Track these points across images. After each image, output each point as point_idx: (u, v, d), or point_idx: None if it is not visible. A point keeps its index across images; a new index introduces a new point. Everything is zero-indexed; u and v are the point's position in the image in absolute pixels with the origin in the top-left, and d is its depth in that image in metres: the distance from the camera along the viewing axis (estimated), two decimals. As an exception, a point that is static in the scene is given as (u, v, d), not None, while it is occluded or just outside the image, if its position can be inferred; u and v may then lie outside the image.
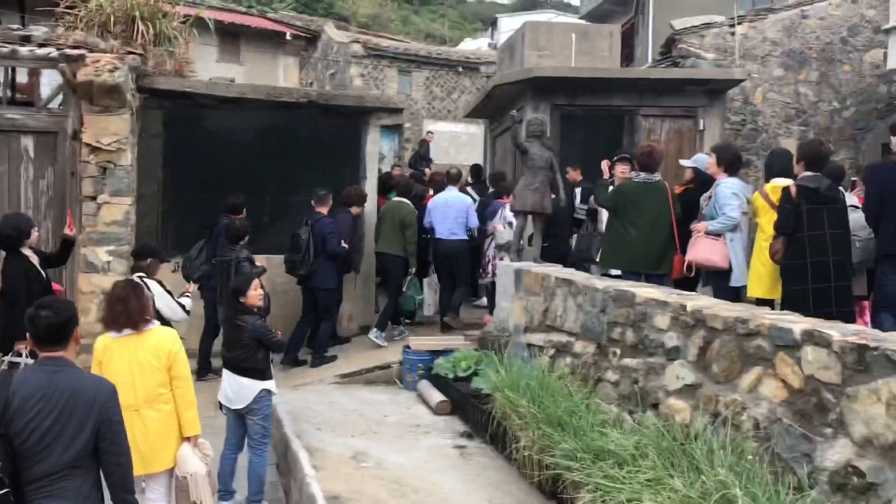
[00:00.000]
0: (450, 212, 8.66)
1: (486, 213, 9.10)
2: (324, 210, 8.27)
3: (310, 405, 6.74)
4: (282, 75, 22.20)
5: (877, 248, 5.68)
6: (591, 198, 7.74)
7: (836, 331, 3.25)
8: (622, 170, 7.19)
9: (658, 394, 4.39)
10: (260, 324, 5.28)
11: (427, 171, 14.15)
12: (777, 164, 6.01)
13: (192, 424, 4.27)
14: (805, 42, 11.71)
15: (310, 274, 8.09)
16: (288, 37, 22.21)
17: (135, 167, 8.20)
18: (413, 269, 8.66)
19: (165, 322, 5.47)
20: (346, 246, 8.29)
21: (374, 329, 8.55)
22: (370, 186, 9.39)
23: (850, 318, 5.01)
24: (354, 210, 8.63)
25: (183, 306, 6.21)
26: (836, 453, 3.12)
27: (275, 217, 9.21)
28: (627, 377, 4.73)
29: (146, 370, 4.09)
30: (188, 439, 4.27)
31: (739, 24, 11.71)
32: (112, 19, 8.27)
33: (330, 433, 5.98)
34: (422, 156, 17.01)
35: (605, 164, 7.63)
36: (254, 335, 5.20)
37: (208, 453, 4.39)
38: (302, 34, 23.26)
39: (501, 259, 8.11)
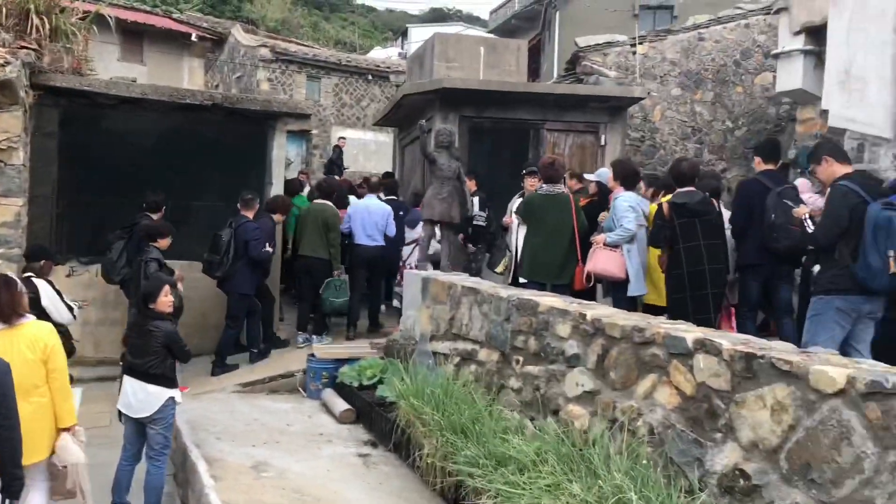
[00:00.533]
0: (370, 218, 8.72)
1: (406, 221, 9.17)
2: (249, 214, 8.16)
3: (210, 414, 6.57)
4: (186, 77, 21.62)
5: (739, 258, 6.11)
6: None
7: (726, 340, 3.41)
8: (531, 183, 7.34)
9: (559, 400, 4.49)
10: (174, 330, 5.14)
11: (337, 178, 14.10)
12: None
13: (70, 415, 4.26)
14: (701, 63, 12.23)
15: (226, 276, 7.95)
16: (193, 38, 21.67)
17: (27, 167, 7.84)
18: (337, 272, 8.59)
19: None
20: (270, 250, 8.20)
21: (299, 333, 8.68)
22: (276, 191, 9.26)
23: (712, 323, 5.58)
24: (277, 217, 8.52)
25: (71, 309, 6.09)
26: (724, 457, 3.27)
27: (176, 223, 8.92)
28: (530, 384, 4.82)
29: (22, 363, 3.99)
30: (67, 429, 4.22)
31: (640, 43, 12.14)
32: (4, 12, 7.89)
33: (230, 443, 5.85)
34: (335, 162, 16.95)
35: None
36: (166, 342, 5.05)
37: (83, 440, 4.35)
38: (208, 36, 22.76)
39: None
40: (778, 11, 8.68)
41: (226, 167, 9.16)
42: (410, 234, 9.16)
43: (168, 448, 5.18)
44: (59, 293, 6.05)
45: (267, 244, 8.08)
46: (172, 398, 5.11)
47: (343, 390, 7.00)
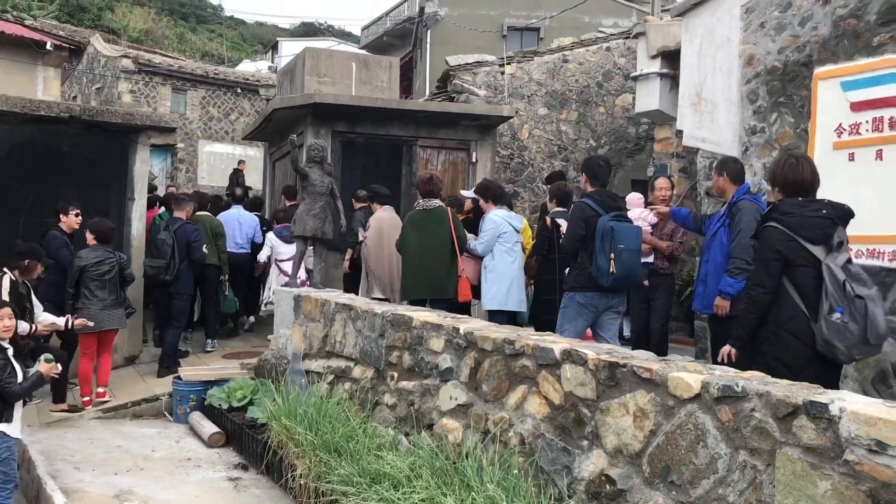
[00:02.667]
0: (240, 228, 9.64)
1: (284, 237, 9.30)
2: (183, 215, 8.31)
3: (67, 443, 6.20)
4: (41, 87, 20.37)
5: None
6: None
7: (591, 350, 3.54)
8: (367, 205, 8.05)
9: (433, 414, 4.52)
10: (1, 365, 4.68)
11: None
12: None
13: None
14: (566, 84, 12.70)
15: (173, 279, 8.03)
16: (49, 47, 20.48)
17: None
18: (225, 277, 9.12)
19: None
20: (206, 251, 8.49)
21: (207, 340, 9.13)
22: (139, 207, 8.89)
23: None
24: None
25: None
26: (591, 464, 3.38)
27: (30, 240, 8.40)
28: (404, 400, 4.82)
29: None
30: None
31: (508, 64, 12.48)
32: None
33: (90, 472, 5.53)
34: (237, 183, 16.64)
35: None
36: None
37: None
38: (65, 45, 21.58)
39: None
40: (637, 36, 9.15)
41: (85, 182, 8.69)
42: (288, 250, 9.10)
43: (10, 483, 4.77)
44: None
45: (204, 246, 8.47)
46: (3, 432, 4.73)
47: (212, 413, 6.77)
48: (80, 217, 7.65)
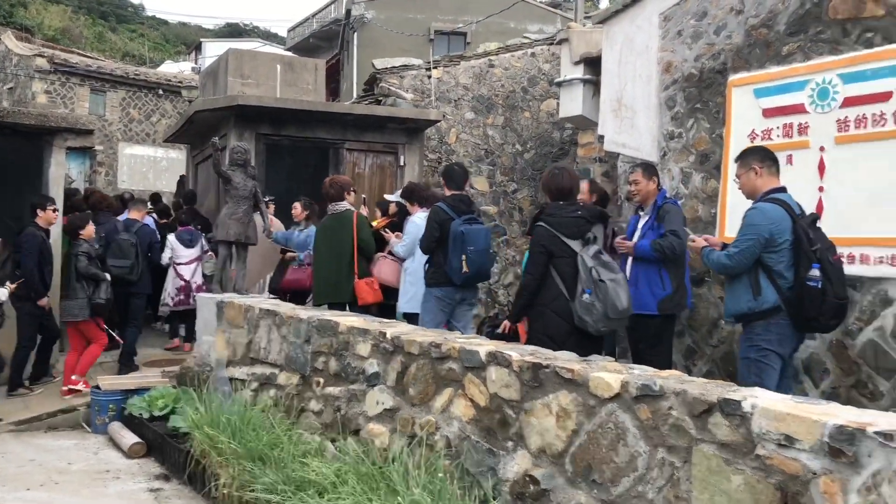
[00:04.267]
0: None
1: (186, 240, 9.00)
2: (138, 216, 8.44)
3: (-25, 458, 5.94)
4: (-53, 86, 19.54)
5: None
6: None
7: (515, 352, 3.57)
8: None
9: (359, 420, 4.49)
10: None
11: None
12: None
13: None
14: (492, 89, 12.80)
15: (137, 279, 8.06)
16: (-45, 43, 19.65)
17: None
18: None
19: None
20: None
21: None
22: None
23: None
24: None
25: None
26: (515, 464, 3.41)
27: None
28: (330, 406, 4.78)
29: None
30: None
31: (435, 68, 12.51)
32: None
33: (0, 489, 5.31)
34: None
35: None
36: None
37: None
38: (-26, 41, 20.74)
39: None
40: (560, 42, 9.29)
41: (-5, 186, 8.37)
42: (188, 254, 8.98)
43: None
44: None
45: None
46: None
47: (132, 423, 6.58)
48: (57, 212, 7.70)
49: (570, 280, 4.85)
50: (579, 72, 8.52)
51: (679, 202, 6.20)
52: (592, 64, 8.27)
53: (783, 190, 4.70)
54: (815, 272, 4.37)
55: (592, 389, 3.05)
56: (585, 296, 4.74)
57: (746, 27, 6.25)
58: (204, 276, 8.83)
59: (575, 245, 4.88)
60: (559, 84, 9.14)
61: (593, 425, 3.06)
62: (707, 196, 6.55)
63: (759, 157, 4.79)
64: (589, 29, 9.04)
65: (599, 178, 9.48)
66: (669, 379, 2.89)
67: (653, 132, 6.93)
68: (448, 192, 6.35)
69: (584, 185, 7.29)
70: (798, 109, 5.73)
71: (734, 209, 5.78)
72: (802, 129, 5.69)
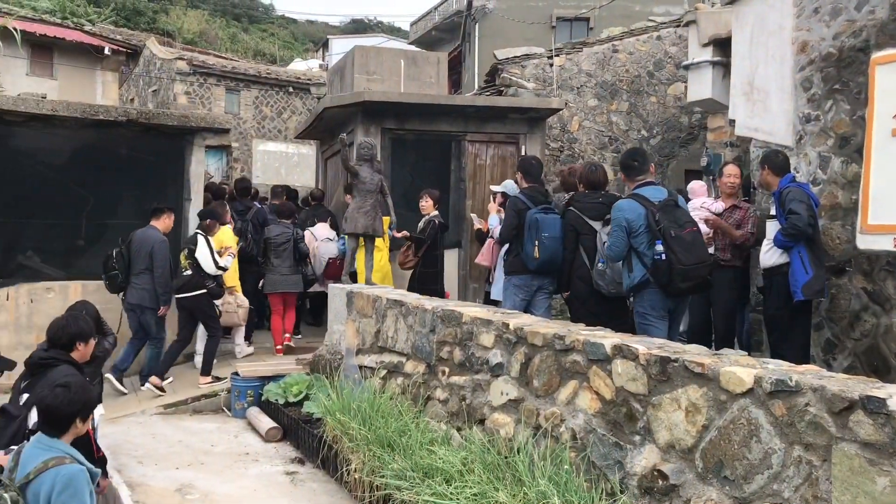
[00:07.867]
0: None
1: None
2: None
3: (131, 438, 6.40)
4: (100, 91, 21.01)
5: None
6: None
7: (642, 345, 3.52)
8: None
9: (484, 409, 4.55)
10: None
11: None
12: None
13: None
14: (616, 74, 12.57)
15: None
16: (107, 51, 21.06)
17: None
18: None
19: None
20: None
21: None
22: (196, 207, 9.08)
23: None
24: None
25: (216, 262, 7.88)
26: (643, 459, 3.37)
27: (90, 241, 8.69)
28: (455, 395, 4.86)
29: None
30: None
31: (557, 55, 12.40)
32: None
33: (153, 466, 5.71)
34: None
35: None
36: None
37: None
38: (122, 49, 22.17)
39: None
40: (688, 24, 9.01)
41: (142, 184, 8.94)
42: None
43: None
44: (211, 249, 7.79)
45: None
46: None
47: (269, 408, 6.91)
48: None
49: (591, 253, 5.92)
50: (708, 54, 8.25)
51: (809, 186, 5.92)
52: (722, 46, 7.98)
53: (650, 184, 5.45)
54: (659, 247, 5.07)
55: (724, 384, 2.97)
56: (600, 265, 5.76)
57: (892, 0, 5.85)
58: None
59: (596, 225, 5.91)
60: (687, 67, 8.87)
61: (724, 421, 2.98)
62: (847, 181, 6.18)
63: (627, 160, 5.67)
64: (718, 10, 8.71)
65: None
66: (806, 374, 2.78)
67: (787, 115, 6.61)
68: (525, 185, 6.60)
69: (732, 169, 7.06)
70: (951, 86, 5.31)
71: (878, 195, 5.44)
72: (956, 108, 5.27)
